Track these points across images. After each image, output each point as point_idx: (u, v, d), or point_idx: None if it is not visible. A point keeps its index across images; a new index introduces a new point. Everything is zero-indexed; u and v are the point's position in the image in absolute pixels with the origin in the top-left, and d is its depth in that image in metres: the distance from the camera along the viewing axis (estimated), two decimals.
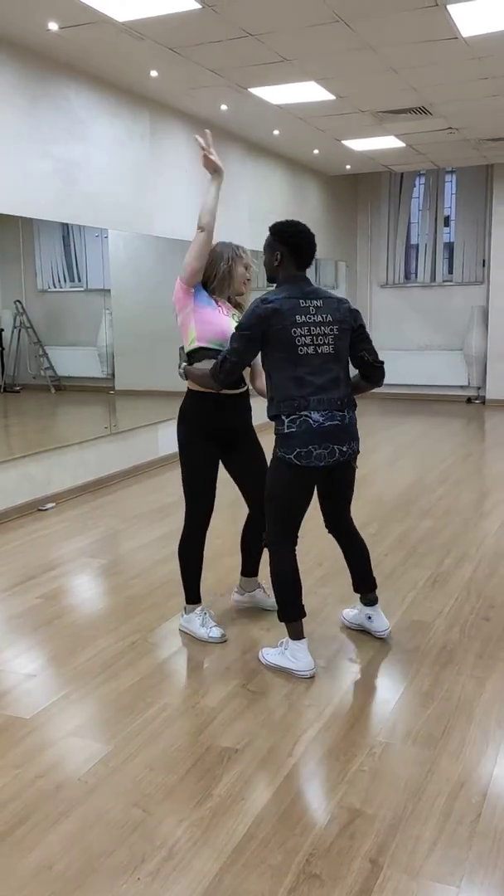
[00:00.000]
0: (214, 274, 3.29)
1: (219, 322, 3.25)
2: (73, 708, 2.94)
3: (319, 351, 3.03)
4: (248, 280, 3.40)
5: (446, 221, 11.11)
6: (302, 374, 3.01)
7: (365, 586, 3.48)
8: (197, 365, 3.23)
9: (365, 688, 3.14)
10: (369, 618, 3.49)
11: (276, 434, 3.10)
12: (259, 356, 3.14)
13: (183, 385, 3.38)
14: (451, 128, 7.80)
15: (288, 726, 2.79)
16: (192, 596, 3.54)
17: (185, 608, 3.58)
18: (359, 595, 3.52)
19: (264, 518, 3.29)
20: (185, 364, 3.28)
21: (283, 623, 3.21)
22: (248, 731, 2.76)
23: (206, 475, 3.39)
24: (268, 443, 3.50)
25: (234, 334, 3.09)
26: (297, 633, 3.18)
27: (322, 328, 3.04)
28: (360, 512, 3.54)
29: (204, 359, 3.21)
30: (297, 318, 3.00)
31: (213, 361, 3.14)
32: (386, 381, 3.34)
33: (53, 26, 4.90)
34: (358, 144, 8.52)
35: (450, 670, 3.19)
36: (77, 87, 5.85)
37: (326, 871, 2.08)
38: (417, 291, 11.30)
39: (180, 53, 5.41)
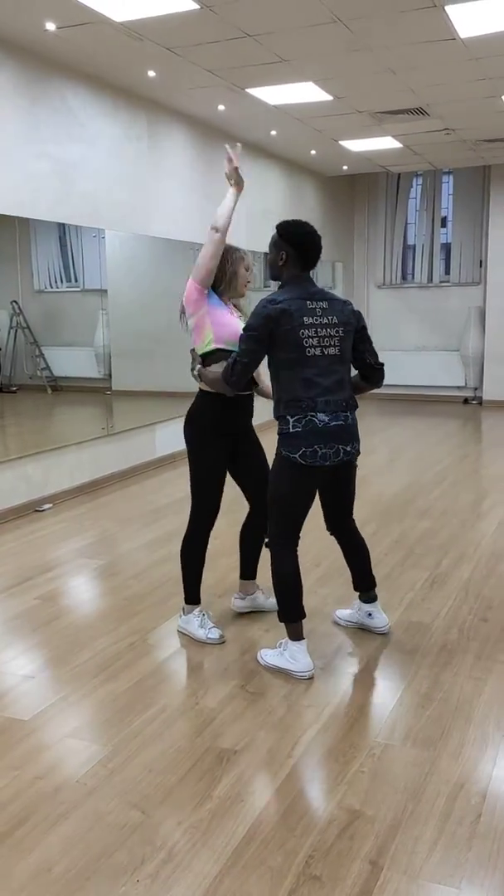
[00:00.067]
0: (223, 275, 3.29)
1: (233, 323, 3.26)
2: (72, 709, 2.94)
3: (326, 352, 3.04)
4: (249, 282, 3.41)
5: (443, 222, 11.13)
6: (310, 375, 3.02)
7: (365, 584, 3.50)
8: (213, 367, 3.21)
9: (364, 689, 3.14)
10: (370, 615, 3.52)
11: (279, 434, 3.09)
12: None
13: (181, 385, 3.38)
14: (448, 128, 7.81)
15: (287, 727, 2.79)
16: (192, 596, 3.54)
17: (183, 609, 3.58)
18: (358, 594, 3.54)
19: (264, 518, 3.30)
20: (199, 366, 3.26)
21: (282, 624, 3.21)
22: (248, 732, 2.76)
23: (218, 476, 3.42)
24: (267, 443, 3.50)
25: (242, 336, 3.08)
26: (296, 634, 3.18)
27: (328, 330, 3.04)
28: (359, 512, 3.54)
29: (221, 360, 3.19)
30: (305, 319, 3.00)
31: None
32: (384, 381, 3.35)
33: (51, 26, 4.89)
34: (355, 145, 8.52)
35: (449, 671, 3.19)
36: (74, 88, 5.84)
37: (326, 873, 2.08)
38: (414, 292, 11.30)
39: (178, 54, 5.41)
